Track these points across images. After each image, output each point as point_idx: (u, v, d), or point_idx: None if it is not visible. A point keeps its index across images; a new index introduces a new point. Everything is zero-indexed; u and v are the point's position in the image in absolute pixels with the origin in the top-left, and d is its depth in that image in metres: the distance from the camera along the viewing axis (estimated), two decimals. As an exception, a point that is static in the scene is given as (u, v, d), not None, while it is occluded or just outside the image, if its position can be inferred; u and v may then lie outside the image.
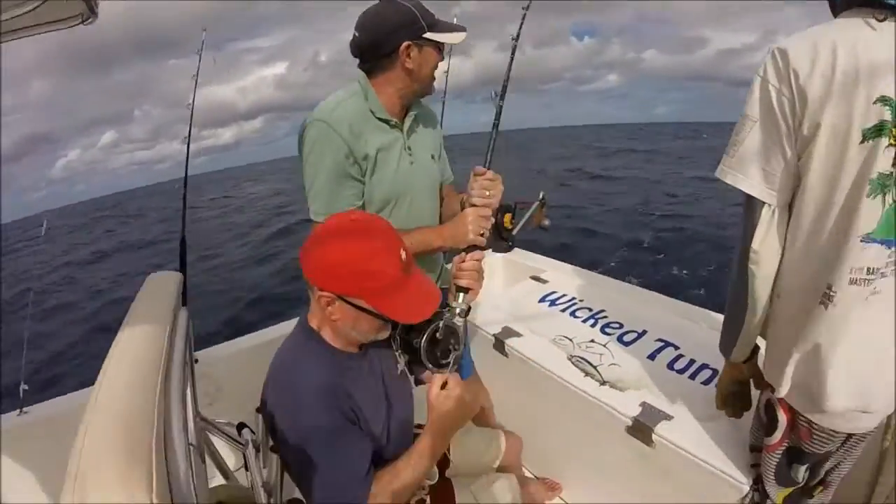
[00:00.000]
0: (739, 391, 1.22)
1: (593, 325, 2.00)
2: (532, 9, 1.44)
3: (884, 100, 0.83)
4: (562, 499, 1.95)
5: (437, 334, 1.15)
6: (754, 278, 1.02)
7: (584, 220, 12.60)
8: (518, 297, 2.34)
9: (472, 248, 1.29)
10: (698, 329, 1.91)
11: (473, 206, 1.30)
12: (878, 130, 0.84)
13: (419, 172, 1.50)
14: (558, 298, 2.27)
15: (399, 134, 1.45)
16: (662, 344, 1.83)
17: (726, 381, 1.24)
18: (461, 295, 1.22)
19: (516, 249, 2.98)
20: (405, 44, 1.32)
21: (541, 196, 3.05)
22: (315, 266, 0.99)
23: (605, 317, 2.05)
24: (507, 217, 2.93)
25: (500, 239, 2.95)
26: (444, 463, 1.40)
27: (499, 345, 1.99)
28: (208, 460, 1.56)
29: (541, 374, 1.80)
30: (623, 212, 13.77)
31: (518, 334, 1.99)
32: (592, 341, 1.89)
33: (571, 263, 2.73)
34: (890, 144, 0.84)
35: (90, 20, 1.26)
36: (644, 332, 1.92)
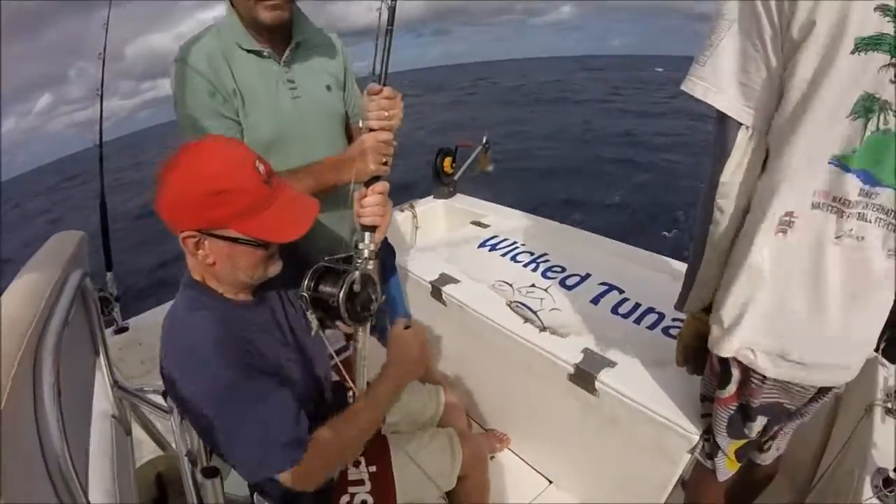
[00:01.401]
0: (703, 346, 1.10)
1: (534, 270, 1.89)
2: None
3: (884, 8, 0.69)
4: (511, 450, 1.88)
5: (354, 286, 1.00)
6: (721, 215, 0.89)
7: (532, 161, 12.52)
8: (457, 243, 2.19)
9: (375, 179, 1.11)
10: (644, 272, 1.83)
11: (371, 130, 1.11)
12: (874, 43, 0.70)
13: (307, 108, 1.30)
14: (499, 243, 2.13)
15: (274, 65, 1.26)
16: (606, 287, 1.73)
17: (688, 334, 1.13)
18: (367, 235, 1.07)
19: (459, 195, 2.84)
20: None
21: (484, 140, 2.89)
22: (167, 206, 0.85)
23: (547, 261, 1.94)
24: (448, 161, 2.78)
25: (441, 185, 2.80)
26: None
27: (436, 292, 1.85)
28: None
29: (480, 321, 1.67)
30: (573, 153, 13.73)
31: (455, 280, 1.85)
32: (533, 286, 1.77)
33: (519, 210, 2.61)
34: (890, 64, 0.71)
35: None
36: (587, 275, 1.82)
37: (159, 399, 1.16)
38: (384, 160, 1.11)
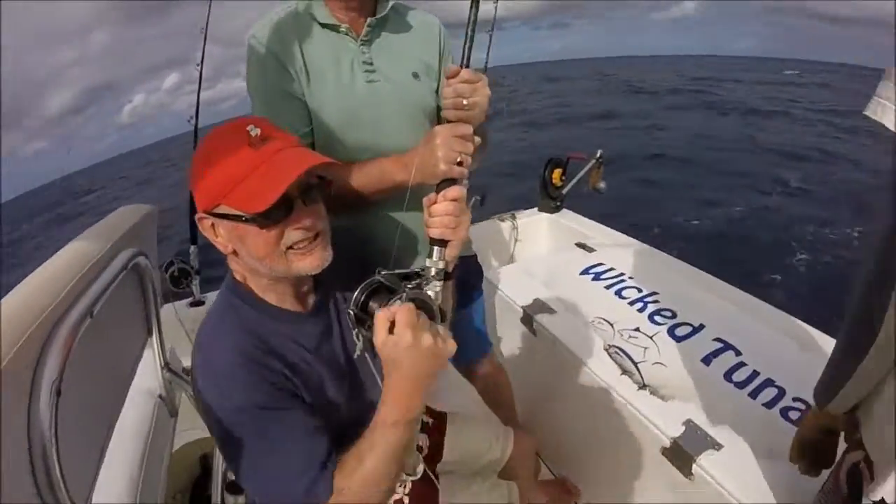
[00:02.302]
0: (824, 443, 0.90)
1: (641, 311, 1.71)
2: None
3: None
4: None
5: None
6: None
7: (648, 181, 11.14)
8: (558, 266, 2.05)
9: (447, 182, 0.91)
10: (766, 332, 1.59)
11: (447, 122, 0.93)
12: None
13: (386, 94, 1.15)
14: (605, 273, 1.97)
15: (351, 43, 1.13)
16: (721, 345, 1.52)
17: (810, 427, 0.93)
18: (436, 250, 0.89)
19: (565, 210, 2.69)
20: None
21: (598, 154, 2.70)
22: (191, 181, 0.82)
23: (657, 301, 1.75)
24: (557, 172, 2.63)
25: (548, 197, 2.66)
26: (434, 456, 1.19)
27: (527, 319, 1.74)
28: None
29: (571, 361, 1.54)
30: (698, 175, 11.74)
31: (551, 310, 1.73)
32: (637, 330, 1.61)
33: (629, 234, 2.41)
34: None
35: None
36: (701, 326, 1.61)
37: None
38: (458, 159, 0.91)
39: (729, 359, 1.47)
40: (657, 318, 1.67)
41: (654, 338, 1.57)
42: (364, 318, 0.84)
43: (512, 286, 1.90)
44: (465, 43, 0.90)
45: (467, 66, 0.90)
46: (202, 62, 2.39)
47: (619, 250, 2.17)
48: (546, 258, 2.24)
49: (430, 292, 0.87)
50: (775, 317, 1.68)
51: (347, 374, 0.95)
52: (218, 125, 0.85)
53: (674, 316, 1.67)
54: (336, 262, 0.88)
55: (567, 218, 2.61)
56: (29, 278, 0.78)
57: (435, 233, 0.88)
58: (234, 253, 0.84)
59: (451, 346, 0.80)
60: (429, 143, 0.94)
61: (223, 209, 0.78)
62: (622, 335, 1.59)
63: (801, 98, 25.42)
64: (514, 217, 2.63)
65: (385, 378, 0.80)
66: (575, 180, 2.67)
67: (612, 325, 1.64)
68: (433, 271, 0.89)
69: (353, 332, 0.86)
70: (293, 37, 1.10)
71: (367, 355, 0.88)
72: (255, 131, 0.78)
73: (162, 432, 1.25)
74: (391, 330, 0.75)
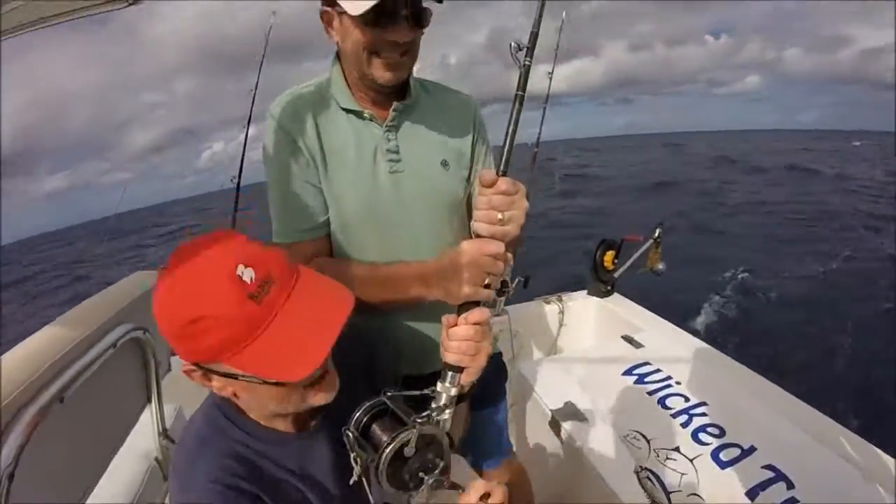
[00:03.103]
0: None
1: (685, 425, 1.53)
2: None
3: None
4: None
5: (406, 448, 0.75)
6: None
7: (712, 260, 9.61)
8: (600, 364, 1.91)
9: (471, 304, 0.84)
10: (828, 458, 1.38)
11: (478, 236, 0.83)
12: None
13: (409, 186, 1.08)
14: (650, 374, 1.81)
15: (376, 129, 1.07)
16: (773, 475, 1.32)
17: None
18: (449, 375, 0.81)
19: (616, 296, 2.54)
20: (322, 9, 0.99)
21: (656, 233, 2.55)
22: (159, 328, 0.70)
23: (705, 415, 1.57)
24: (610, 255, 2.50)
25: (598, 280, 2.53)
26: None
27: (555, 424, 1.62)
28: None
29: (596, 479, 1.40)
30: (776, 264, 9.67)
31: (582, 417, 1.59)
32: (677, 450, 1.44)
33: (684, 326, 2.23)
34: None
35: (135, 2, 1.22)
36: (751, 449, 1.41)
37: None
38: (486, 281, 0.82)
39: (779, 492, 1.28)
40: (702, 435, 1.49)
41: (694, 461, 1.39)
42: (364, 443, 0.77)
43: (545, 384, 1.78)
44: (504, 146, 0.81)
45: (505, 174, 0.81)
46: (248, 123, 2.51)
47: (670, 346, 2.00)
48: (587, 353, 2.10)
49: (441, 418, 0.80)
50: (845, 440, 1.45)
51: (336, 499, 0.87)
52: (186, 245, 0.71)
53: (722, 434, 1.49)
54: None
55: (618, 303, 2.46)
56: (10, 353, 0.86)
57: (451, 358, 0.81)
58: (235, 396, 0.76)
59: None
60: (454, 260, 0.86)
61: (224, 367, 0.69)
62: (658, 455, 1.42)
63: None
64: (560, 300, 2.51)
65: None
66: (629, 263, 2.53)
67: (648, 441, 1.48)
68: (444, 398, 0.81)
69: (351, 456, 0.77)
70: (312, 117, 1.05)
71: (363, 480, 0.78)
72: (248, 275, 0.66)
73: (152, 495, 1.28)
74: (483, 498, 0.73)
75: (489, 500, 0.73)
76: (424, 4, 0.96)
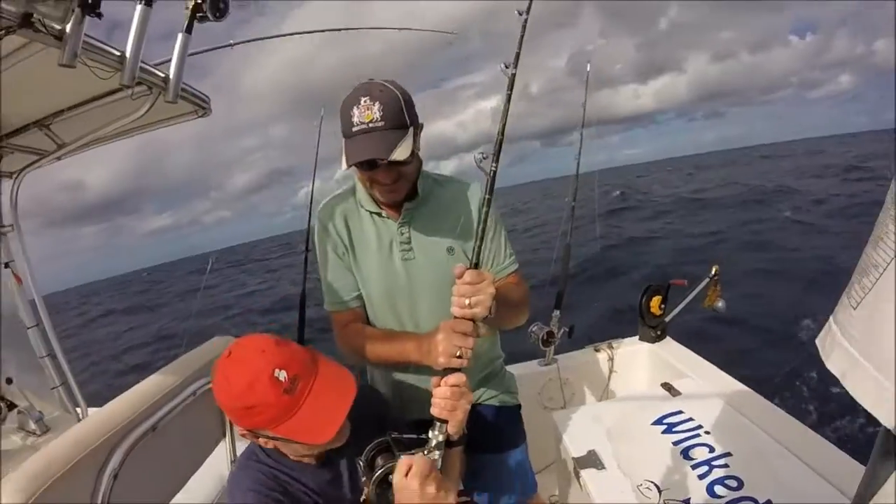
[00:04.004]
0: None
1: (703, 476, 1.54)
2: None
3: None
4: None
5: (390, 477, 0.99)
6: None
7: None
8: (632, 412, 1.95)
9: (450, 370, 1.05)
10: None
11: (453, 317, 1.06)
12: None
13: (418, 270, 1.35)
14: (680, 424, 1.82)
15: (392, 225, 1.35)
16: (783, 533, 1.31)
17: None
18: (437, 425, 1.03)
19: (668, 340, 2.53)
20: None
21: (713, 271, 2.51)
22: (219, 404, 1.03)
23: (726, 466, 1.56)
24: (656, 300, 2.53)
25: (646, 326, 2.53)
26: None
27: (576, 472, 1.69)
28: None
29: (603, 527, 1.46)
30: None
31: (601, 466, 1.66)
32: (687, 501, 1.46)
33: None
34: None
35: (205, 113, 1.61)
36: (767, 504, 1.40)
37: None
38: (458, 353, 1.04)
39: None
40: (718, 487, 1.49)
41: (703, 514, 1.41)
42: (368, 472, 1.03)
43: (575, 429, 1.86)
44: (475, 244, 1.04)
45: (476, 266, 1.04)
46: (315, 169, 2.84)
47: (710, 394, 1.98)
48: (623, 401, 2.13)
49: (430, 457, 1.02)
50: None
51: None
52: (236, 349, 1.02)
53: (739, 487, 1.48)
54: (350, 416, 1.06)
55: (668, 349, 2.45)
56: (118, 398, 1.25)
57: (435, 412, 1.04)
58: (276, 447, 1.09)
59: (451, 499, 0.99)
60: (433, 336, 1.11)
61: (269, 433, 1.01)
62: (666, 506, 1.46)
63: None
64: (611, 347, 2.55)
65: None
66: (680, 307, 2.52)
67: (660, 491, 1.51)
68: (433, 442, 1.04)
69: (361, 480, 1.05)
70: (343, 218, 1.38)
71: (372, 499, 1.04)
72: (282, 376, 0.97)
73: None
74: (406, 474, 0.96)
75: (412, 469, 0.96)
76: (399, 153, 1.17)
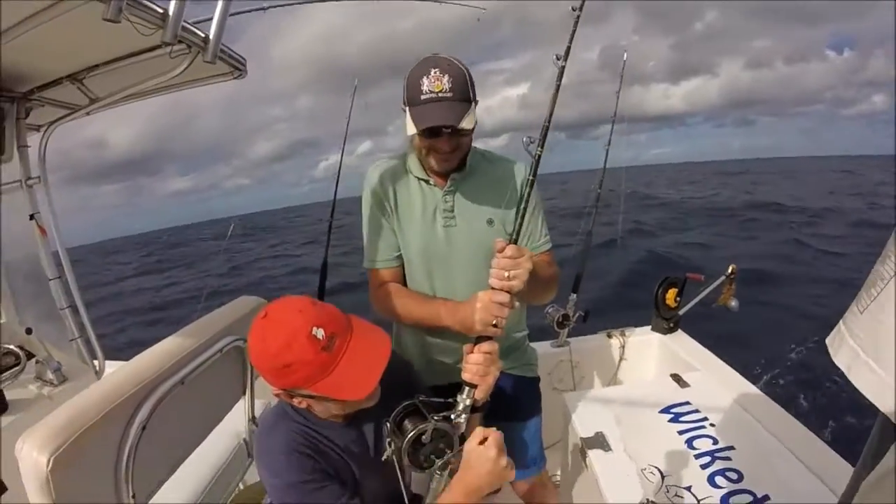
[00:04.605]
0: None
1: (705, 467, 1.62)
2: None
3: None
4: None
5: (423, 437, 1.08)
6: None
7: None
8: (640, 399, 2.02)
9: (483, 337, 1.14)
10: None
11: (491, 288, 1.14)
12: None
13: (458, 238, 1.42)
14: (687, 414, 1.89)
15: (438, 192, 1.41)
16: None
17: None
18: (466, 389, 1.13)
19: (680, 332, 2.59)
20: (402, 107, 1.31)
21: (730, 270, 2.55)
22: (254, 364, 1.05)
23: (728, 459, 1.64)
24: (672, 293, 2.59)
25: (660, 317, 2.59)
26: None
27: (582, 452, 1.78)
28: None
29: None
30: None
31: (608, 448, 1.74)
32: (688, 489, 1.54)
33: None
34: None
35: (241, 75, 1.64)
36: (765, 498, 1.47)
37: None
38: (494, 322, 1.12)
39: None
40: (718, 478, 1.57)
41: (702, 501, 1.49)
42: (396, 432, 1.11)
43: (584, 414, 1.94)
44: (516, 220, 1.14)
45: (515, 242, 1.14)
46: (345, 139, 2.93)
47: (717, 389, 2.05)
48: (633, 388, 2.20)
49: (457, 420, 1.12)
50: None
51: (373, 469, 1.20)
52: (273, 307, 1.04)
53: (739, 479, 1.56)
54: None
55: (679, 341, 2.50)
56: (147, 351, 1.30)
57: (467, 377, 1.14)
58: (308, 407, 1.09)
59: (511, 475, 1.07)
60: (472, 304, 1.19)
61: (307, 391, 1.02)
62: (668, 491, 1.54)
63: None
64: (623, 334, 2.62)
65: (458, 473, 1.08)
66: (695, 301, 2.57)
67: (663, 476, 1.59)
68: (461, 406, 1.13)
69: (386, 441, 1.12)
70: (392, 182, 1.44)
71: (393, 459, 1.12)
72: (320, 334, 0.98)
73: (236, 467, 1.72)
74: (482, 442, 1.05)
75: (486, 444, 1.04)
76: (466, 122, 1.26)
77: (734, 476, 1.57)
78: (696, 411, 1.90)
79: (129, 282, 22.90)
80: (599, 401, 2.01)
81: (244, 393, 1.72)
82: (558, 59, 1.12)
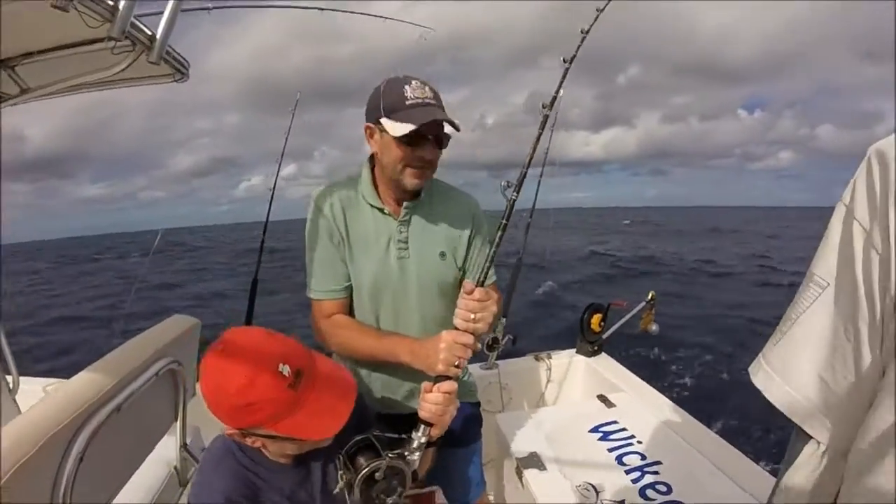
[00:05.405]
0: None
1: (636, 481, 1.65)
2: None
3: None
4: None
5: (377, 474, 1.00)
6: None
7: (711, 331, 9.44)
8: (570, 420, 2.04)
9: (443, 377, 1.10)
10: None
11: (455, 328, 1.11)
12: None
13: (411, 270, 1.35)
14: (615, 433, 1.93)
15: (392, 222, 1.35)
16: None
17: None
18: (422, 427, 1.08)
19: (604, 356, 2.67)
20: (365, 124, 1.27)
21: (650, 296, 2.69)
22: (207, 402, 0.93)
23: (657, 473, 1.68)
24: (597, 318, 2.67)
25: (585, 341, 2.67)
26: None
27: (518, 472, 1.76)
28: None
29: (544, 523, 1.53)
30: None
31: (542, 467, 1.73)
32: (622, 502, 1.56)
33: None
34: None
35: (182, 79, 1.52)
36: (693, 509, 1.53)
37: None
38: (456, 363, 1.09)
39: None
40: (649, 491, 1.61)
41: (636, 514, 1.51)
42: (349, 466, 1.03)
43: (518, 435, 1.93)
44: (485, 263, 1.12)
45: (482, 285, 1.10)
46: (279, 167, 2.84)
47: (642, 409, 2.12)
48: (562, 409, 2.24)
49: (411, 458, 1.06)
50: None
51: None
52: (233, 339, 0.94)
53: (668, 492, 1.60)
54: None
55: (603, 363, 2.59)
56: (81, 374, 1.14)
57: (424, 415, 1.08)
58: (262, 447, 1.01)
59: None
60: (435, 343, 1.13)
61: (266, 431, 0.92)
62: (603, 506, 1.55)
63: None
64: (549, 357, 2.66)
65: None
66: (616, 326, 2.67)
67: (597, 493, 1.60)
68: (416, 443, 1.08)
69: (339, 473, 1.03)
70: (342, 208, 1.34)
71: (346, 495, 1.03)
72: (286, 370, 0.90)
73: (168, 495, 1.57)
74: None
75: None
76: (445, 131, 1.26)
77: (664, 488, 1.61)
78: (624, 430, 1.95)
79: (40, 290, 20.96)
80: (531, 421, 2.02)
81: (175, 418, 1.56)
82: (544, 107, 1.12)
